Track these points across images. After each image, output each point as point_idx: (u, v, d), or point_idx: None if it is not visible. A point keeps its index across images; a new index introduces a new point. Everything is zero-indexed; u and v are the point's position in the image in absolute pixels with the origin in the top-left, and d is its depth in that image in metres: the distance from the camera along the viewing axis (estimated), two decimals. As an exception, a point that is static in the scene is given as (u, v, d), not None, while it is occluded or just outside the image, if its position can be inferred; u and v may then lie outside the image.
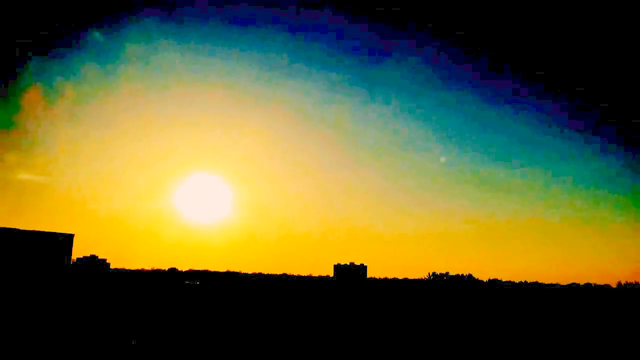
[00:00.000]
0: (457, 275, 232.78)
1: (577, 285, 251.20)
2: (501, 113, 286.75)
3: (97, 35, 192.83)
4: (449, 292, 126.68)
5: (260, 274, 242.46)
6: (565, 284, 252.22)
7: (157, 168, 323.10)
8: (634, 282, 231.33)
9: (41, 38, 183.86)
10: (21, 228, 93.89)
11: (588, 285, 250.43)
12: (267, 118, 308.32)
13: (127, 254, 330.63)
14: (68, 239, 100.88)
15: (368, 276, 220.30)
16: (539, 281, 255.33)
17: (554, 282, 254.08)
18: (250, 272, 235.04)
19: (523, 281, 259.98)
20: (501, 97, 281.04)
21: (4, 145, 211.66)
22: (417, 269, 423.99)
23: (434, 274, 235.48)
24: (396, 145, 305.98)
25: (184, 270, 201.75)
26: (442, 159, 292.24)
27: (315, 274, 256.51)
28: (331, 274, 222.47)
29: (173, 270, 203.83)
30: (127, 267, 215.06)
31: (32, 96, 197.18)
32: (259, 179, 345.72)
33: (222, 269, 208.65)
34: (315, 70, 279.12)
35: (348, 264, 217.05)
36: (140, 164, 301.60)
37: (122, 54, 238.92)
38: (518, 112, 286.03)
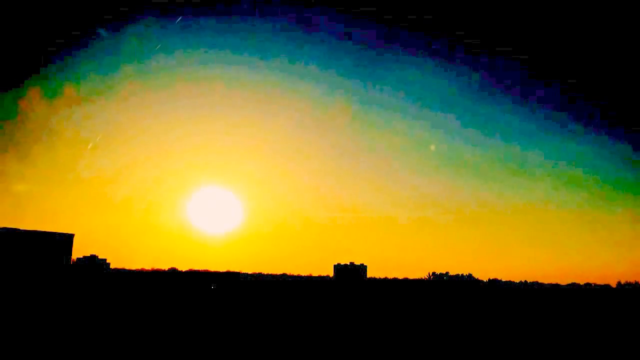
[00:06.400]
0: (457, 275, 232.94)
1: (577, 285, 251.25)
2: (502, 104, 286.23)
3: (102, 33, 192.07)
4: (449, 292, 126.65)
5: (260, 274, 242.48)
6: (565, 284, 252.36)
7: (157, 168, 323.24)
8: (634, 282, 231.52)
9: (43, 39, 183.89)
10: (21, 228, 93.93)
11: (588, 285, 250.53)
12: (265, 117, 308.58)
13: (127, 254, 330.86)
14: (68, 239, 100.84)
15: (368, 276, 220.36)
16: (539, 281, 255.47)
17: (554, 282, 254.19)
18: (250, 272, 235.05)
19: (523, 281, 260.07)
20: (504, 88, 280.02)
21: (4, 145, 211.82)
22: (417, 269, 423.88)
23: (434, 273, 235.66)
24: (396, 140, 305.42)
25: (184, 270, 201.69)
26: (432, 148, 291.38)
27: (315, 274, 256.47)
28: (331, 274, 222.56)
29: (173, 270, 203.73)
30: (127, 267, 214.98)
31: (33, 96, 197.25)
32: (258, 180, 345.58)
33: (222, 269, 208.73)
34: (314, 69, 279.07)
35: (348, 264, 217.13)
36: (141, 164, 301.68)
37: (125, 56, 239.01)
38: (520, 102, 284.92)
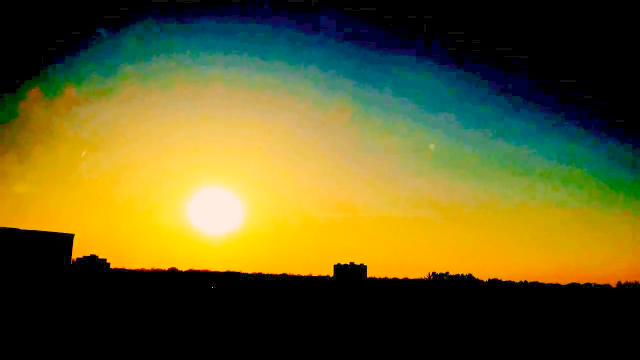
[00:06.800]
0: (457, 275, 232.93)
1: (577, 285, 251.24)
2: (502, 104, 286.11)
3: (103, 33, 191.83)
4: (449, 292, 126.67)
5: (260, 274, 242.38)
6: (565, 284, 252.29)
7: (158, 168, 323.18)
8: (634, 282, 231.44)
9: (44, 40, 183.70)
10: (21, 228, 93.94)
11: (588, 285, 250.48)
12: (265, 118, 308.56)
13: (127, 254, 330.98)
14: (68, 239, 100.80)
15: (368, 276, 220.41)
16: (539, 281, 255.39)
17: (554, 282, 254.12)
18: (250, 272, 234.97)
19: (523, 281, 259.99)
20: (504, 88, 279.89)
21: (5, 146, 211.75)
22: (417, 269, 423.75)
23: (434, 273, 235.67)
24: (396, 141, 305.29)
25: (184, 271, 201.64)
26: (431, 147, 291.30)
27: (315, 273, 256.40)
28: (331, 274, 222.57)
29: (173, 270, 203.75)
30: (127, 267, 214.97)
31: (33, 97, 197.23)
32: (258, 180, 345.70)
33: (222, 269, 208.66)
34: (314, 71, 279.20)
35: (348, 264, 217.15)
36: (141, 164, 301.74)
37: (126, 57, 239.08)
38: (520, 103, 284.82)
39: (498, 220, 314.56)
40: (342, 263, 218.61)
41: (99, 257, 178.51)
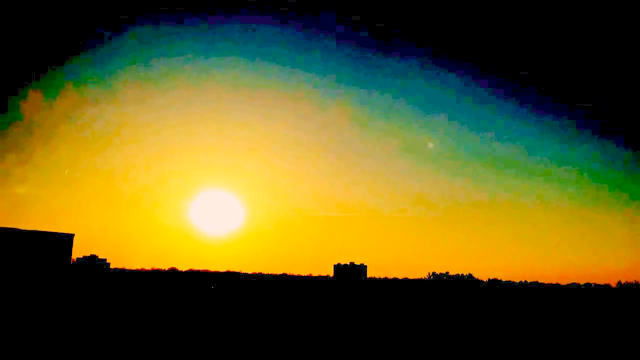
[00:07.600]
0: (457, 275, 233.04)
1: (577, 285, 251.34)
2: (503, 106, 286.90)
3: (105, 35, 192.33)
4: (448, 292, 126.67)
5: (260, 274, 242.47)
6: (565, 283, 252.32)
7: (158, 169, 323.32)
8: (633, 282, 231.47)
9: (45, 42, 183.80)
10: (21, 228, 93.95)
11: (588, 285, 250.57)
12: (266, 120, 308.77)
13: (127, 254, 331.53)
14: (68, 239, 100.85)
15: (368, 276, 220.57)
16: (539, 281, 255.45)
17: (554, 282, 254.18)
18: (250, 272, 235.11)
19: (523, 281, 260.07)
20: (503, 90, 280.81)
21: (6, 147, 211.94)
22: (417, 269, 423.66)
23: (434, 273, 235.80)
24: (396, 141, 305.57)
25: (184, 271, 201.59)
26: (430, 145, 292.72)
27: (315, 273, 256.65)
28: (331, 274, 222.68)
29: (173, 270, 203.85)
30: (127, 267, 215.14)
31: (34, 99, 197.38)
32: (258, 182, 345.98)
33: (222, 269, 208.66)
34: (312, 74, 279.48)
35: (348, 264, 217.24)
36: (142, 165, 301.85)
37: (127, 59, 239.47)
38: (520, 104, 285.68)
39: (498, 221, 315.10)
40: (342, 263, 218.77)
41: (99, 257, 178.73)
